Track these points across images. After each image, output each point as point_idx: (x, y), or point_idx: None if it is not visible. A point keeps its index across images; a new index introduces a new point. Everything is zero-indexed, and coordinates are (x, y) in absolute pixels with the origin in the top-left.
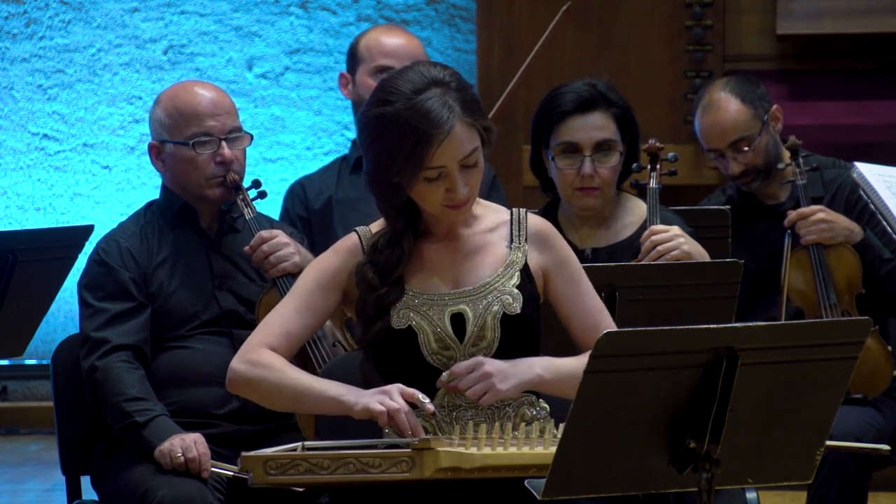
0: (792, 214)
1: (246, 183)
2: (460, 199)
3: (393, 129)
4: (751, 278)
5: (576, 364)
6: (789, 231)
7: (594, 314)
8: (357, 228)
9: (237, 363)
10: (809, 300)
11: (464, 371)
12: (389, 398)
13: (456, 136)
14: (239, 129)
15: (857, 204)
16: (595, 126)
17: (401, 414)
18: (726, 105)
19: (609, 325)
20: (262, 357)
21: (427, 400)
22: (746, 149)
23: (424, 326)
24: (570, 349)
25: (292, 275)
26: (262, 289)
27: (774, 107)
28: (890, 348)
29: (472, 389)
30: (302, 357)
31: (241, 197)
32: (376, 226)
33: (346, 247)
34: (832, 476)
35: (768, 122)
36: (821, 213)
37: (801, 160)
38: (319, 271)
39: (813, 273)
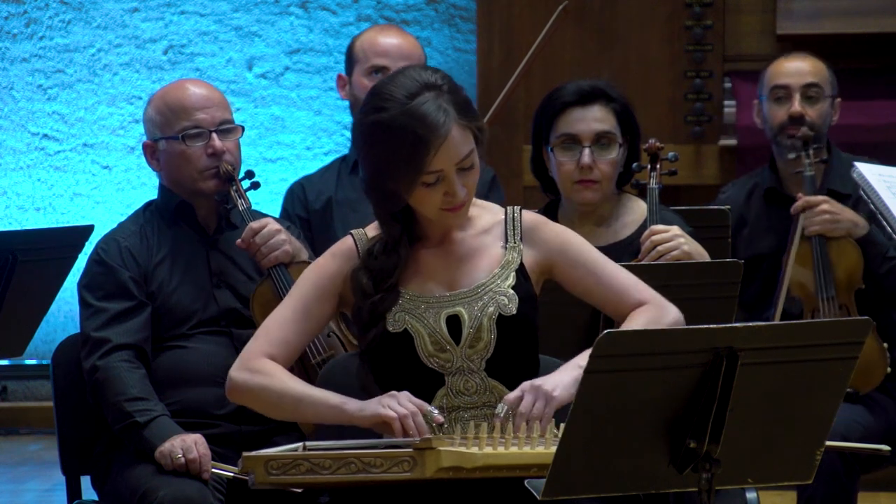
0: (799, 202)
1: (240, 175)
2: (459, 202)
3: (389, 136)
4: (775, 264)
5: None
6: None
7: (614, 282)
8: (352, 232)
9: (237, 372)
10: (808, 292)
11: (515, 401)
12: (398, 403)
13: (452, 139)
14: (230, 121)
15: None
16: (595, 118)
17: (412, 420)
18: (812, 56)
19: (634, 284)
20: (262, 365)
21: (436, 411)
22: (814, 96)
23: (420, 329)
24: (571, 349)
25: (285, 264)
26: None
27: (839, 99)
28: (886, 345)
29: (531, 411)
30: None
31: (234, 188)
32: (371, 229)
33: (342, 251)
34: (818, 477)
35: (834, 101)
36: (825, 203)
37: (811, 151)
38: (317, 275)
39: (813, 265)
